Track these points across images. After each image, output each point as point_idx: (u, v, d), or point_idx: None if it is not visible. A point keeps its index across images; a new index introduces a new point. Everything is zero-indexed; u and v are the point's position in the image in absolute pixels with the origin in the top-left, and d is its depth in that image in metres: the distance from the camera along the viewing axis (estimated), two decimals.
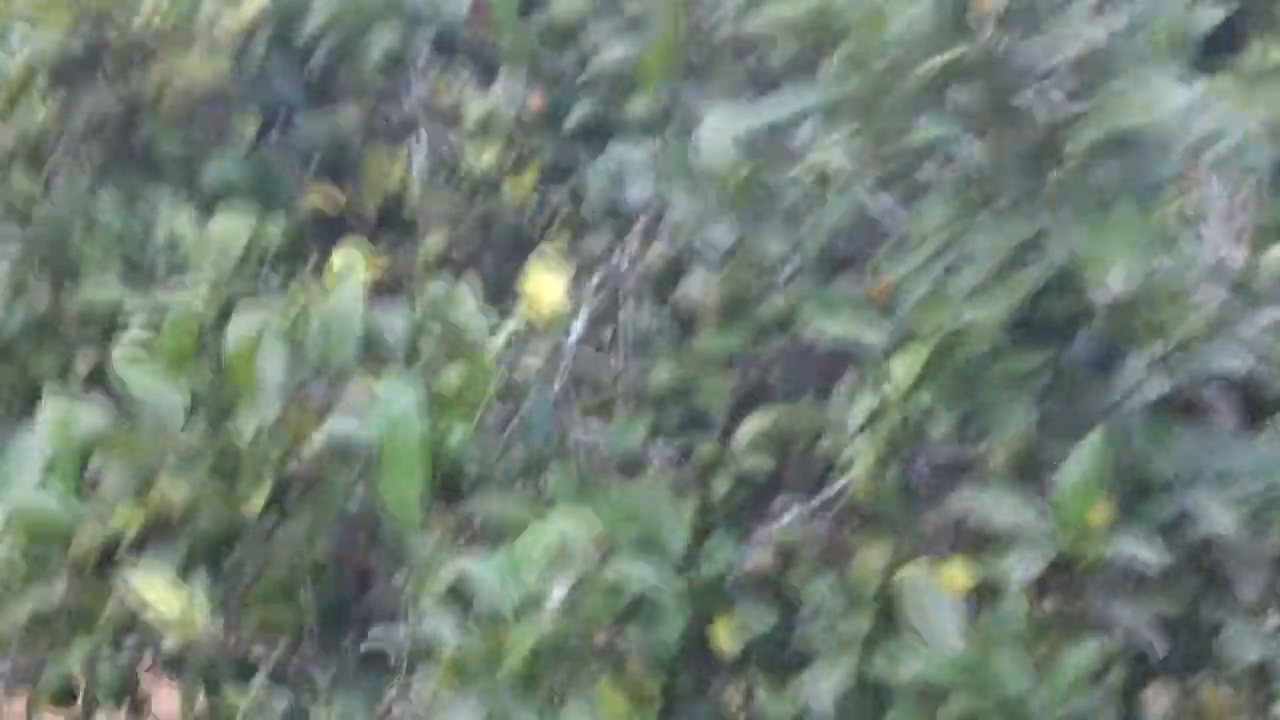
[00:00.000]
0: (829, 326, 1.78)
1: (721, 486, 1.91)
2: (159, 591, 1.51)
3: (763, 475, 1.93)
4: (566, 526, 1.41)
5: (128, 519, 1.78)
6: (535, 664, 1.31)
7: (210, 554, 1.78)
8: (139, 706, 1.91)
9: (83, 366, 2.12)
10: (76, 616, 1.63)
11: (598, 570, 1.44)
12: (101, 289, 2.14)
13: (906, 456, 1.74)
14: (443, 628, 1.37)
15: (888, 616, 1.72)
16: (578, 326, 1.79)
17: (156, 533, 1.86)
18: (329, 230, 2.49)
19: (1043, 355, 1.60)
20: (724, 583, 1.78)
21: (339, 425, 1.58)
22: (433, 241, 2.32)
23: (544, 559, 1.37)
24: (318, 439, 1.65)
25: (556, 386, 1.79)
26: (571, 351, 1.77)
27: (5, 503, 1.53)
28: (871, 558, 1.80)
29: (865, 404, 1.77)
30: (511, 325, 1.66)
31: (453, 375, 1.61)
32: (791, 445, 1.94)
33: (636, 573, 1.45)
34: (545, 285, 1.71)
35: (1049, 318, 1.58)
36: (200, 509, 1.81)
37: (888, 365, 1.75)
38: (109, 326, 2.15)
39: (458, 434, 1.54)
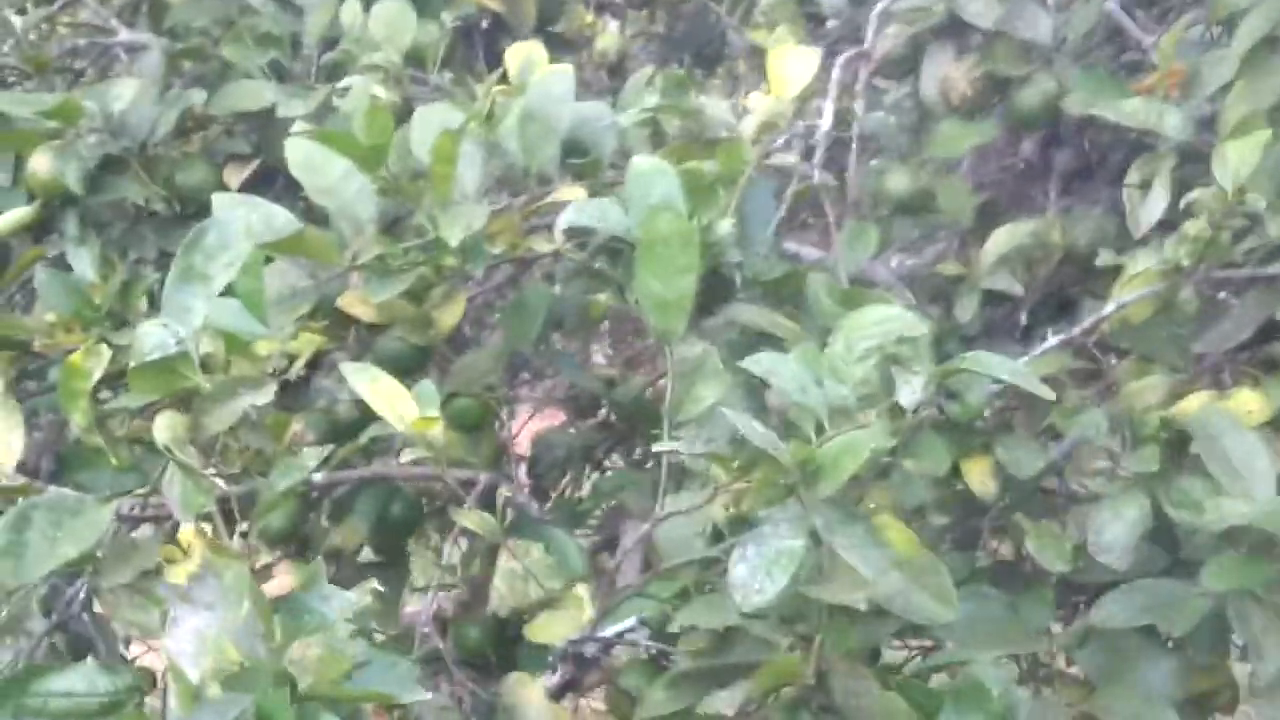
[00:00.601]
0: (1113, 112, 1.55)
1: (964, 310, 1.70)
2: (388, 397, 1.31)
3: (1011, 298, 1.73)
4: (896, 317, 1.19)
5: (310, 335, 1.60)
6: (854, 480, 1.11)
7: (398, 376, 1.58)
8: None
9: (233, 179, 1.91)
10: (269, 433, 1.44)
11: (945, 368, 1.23)
12: (250, 93, 1.92)
13: (1201, 271, 1.51)
14: (718, 442, 1.18)
15: (1172, 455, 1.52)
16: (828, 114, 1.55)
17: (338, 352, 1.69)
18: (483, 40, 2.28)
19: None
20: (975, 420, 1.56)
21: (580, 216, 1.36)
22: (605, 43, 2.09)
23: (874, 356, 1.16)
24: (544, 236, 1.44)
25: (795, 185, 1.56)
26: (825, 143, 1.54)
27: (196, 310, 1.32)
28: (1147, 389, 1.59)
29: (1155, 208, 1.55)
30: (761, 110, 1.43)
31: (704, 164, 1.39)
32: (1044, 262, 1.73)
33: (995, 364, 1.23)
34: (792, 66, 1.47)
35: None
36: (390, 325, 1.63)
37: (1176, 160, 1.54)
38: (261, 136, 1.96)
39: (723, 228, 1.32)
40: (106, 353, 1.27)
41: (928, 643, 1.71)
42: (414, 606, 2.06)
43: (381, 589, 1.87)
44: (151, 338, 1.22)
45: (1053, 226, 1.74)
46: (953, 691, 1.13)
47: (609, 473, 2.19)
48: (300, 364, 1.62)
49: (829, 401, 1.16)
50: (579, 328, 1.80)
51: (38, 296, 1.70)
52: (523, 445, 2.22)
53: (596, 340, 2.51)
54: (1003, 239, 1.69)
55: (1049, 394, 1.25)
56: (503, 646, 1.82)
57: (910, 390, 1.19)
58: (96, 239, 1.79)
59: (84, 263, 1.74)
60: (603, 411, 2.24)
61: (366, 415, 1.50)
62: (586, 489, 2.19)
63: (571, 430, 2.25)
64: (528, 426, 2.42)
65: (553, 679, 1.45)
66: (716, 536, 1.29)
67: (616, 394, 2.03)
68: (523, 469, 2.08)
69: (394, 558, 1.88)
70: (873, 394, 1.18)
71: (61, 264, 1.79)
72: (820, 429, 1.15)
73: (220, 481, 1.26)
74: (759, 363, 1.18)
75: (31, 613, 1.43)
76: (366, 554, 1.92)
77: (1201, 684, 1.60)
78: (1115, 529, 1.44)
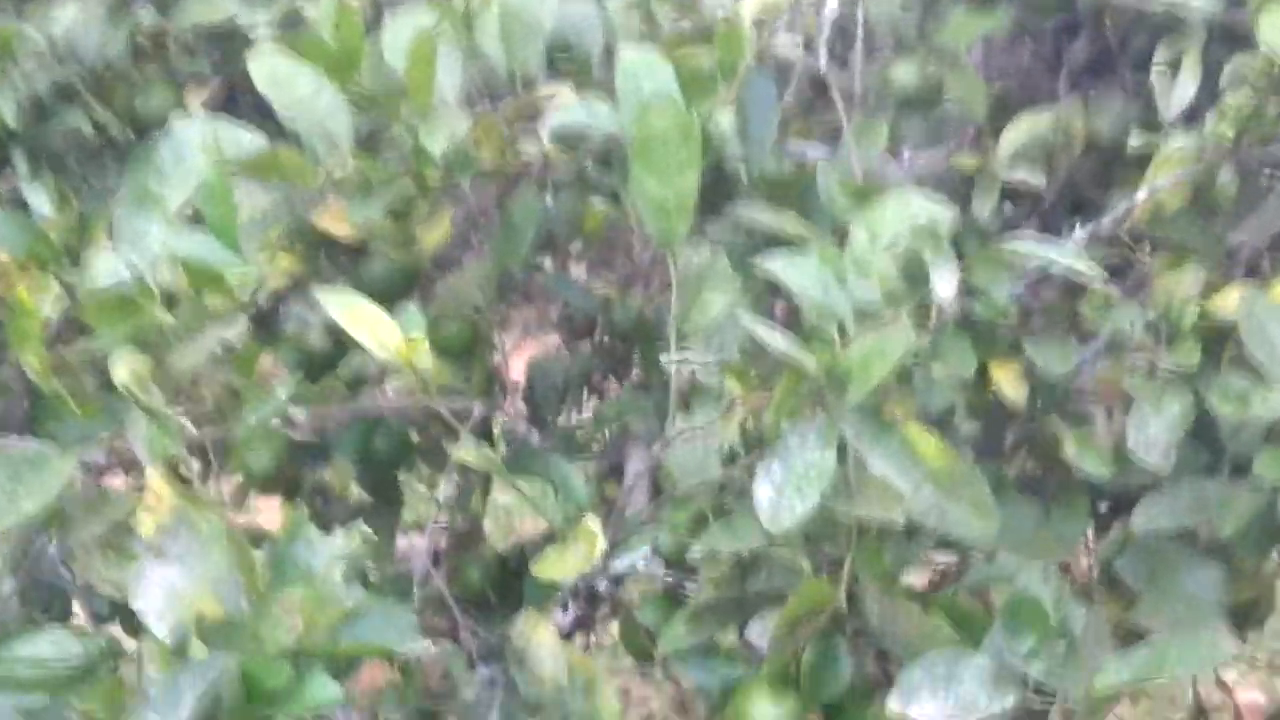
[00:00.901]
0: None
1: (983, 205, 1.59)
2: (367, 323, 1.20)
3: (1030, 194, 1.62)
4: (920, 207, 1.08)
5: (283, 260, 1.49)
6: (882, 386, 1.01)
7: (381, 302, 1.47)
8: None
9: (195, 101, 1.79)
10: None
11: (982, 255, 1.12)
12: (209, 5, 1.79)
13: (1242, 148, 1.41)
14: (731, 351, 1.07)
15: (1211, 350, 1.43)
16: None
17: (315, 278, 1.58)
18: None
19: None
20: (1000, 322, 1.46)
21: (568, 117, 1.25)
22: None
23: (899, 248, 1.06)
24: (531, 140, 1.33)
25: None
26: (828, 31, 1.42)
27: (153, 236, 1.21)
28: (1182, 281, 1.49)
29: (1186, 89, 1.44)
30: None
31: (699, 55, 1.27)
32: (1066, 153, 1.62)
33: (1037, 247, 1.13)
34: None
35: None
36: (371, 247, 1.52)
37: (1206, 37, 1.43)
38: (224, 54, 1.83)
39: (723, 121, 1.21)
40: (56, 287, 1.17)
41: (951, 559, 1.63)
42: (405, 542, 1.97)
43: (372, 531, 1.76)
44: (103, 267, 1.11)
45: (1074, 114, 1.63)
46: (1004, 608, 1.04)
47: (609, 397, 2.08)
48: (270, 291, 1.52)
49: (854, 301, 1.05)
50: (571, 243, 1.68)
51: None
52: (515, 371, 2.12)
53: (578, 259, 2.39)
54: (1021, 128, 1.58)
55: (1099, 275, 1.15)
56: (505, 583, 1.73)
57: (945, 281, 1.09)
58: (52, 173, 1.68)
59: (39, 198, 1.62)
60: (598, 334, 2.14)
61: (341, 343, 1.40)
62: (586, 415, 2.09)
63: (566, 353, 2.15)
64: (520, 352, 2.32)
65: (564, 617, 1.36)
66: (732, 457, 1.20)
67: (614, 313, 1.92)
68: (518, 397, 1.98)
69: (385, 496, 1.78)
70: (896, 293, 1.07)
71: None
72: (844, 332, 1.05)
73: (188, 423, 1.16)
74: (774, 261, 1.07)
75: None
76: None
77: (1245, 592, 1.52)
78: (1156, 426, 1.35)
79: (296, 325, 1.63)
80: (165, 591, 0.98)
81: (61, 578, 1.54)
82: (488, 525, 2.05)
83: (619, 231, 2.02)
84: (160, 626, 0.96)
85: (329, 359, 1.56)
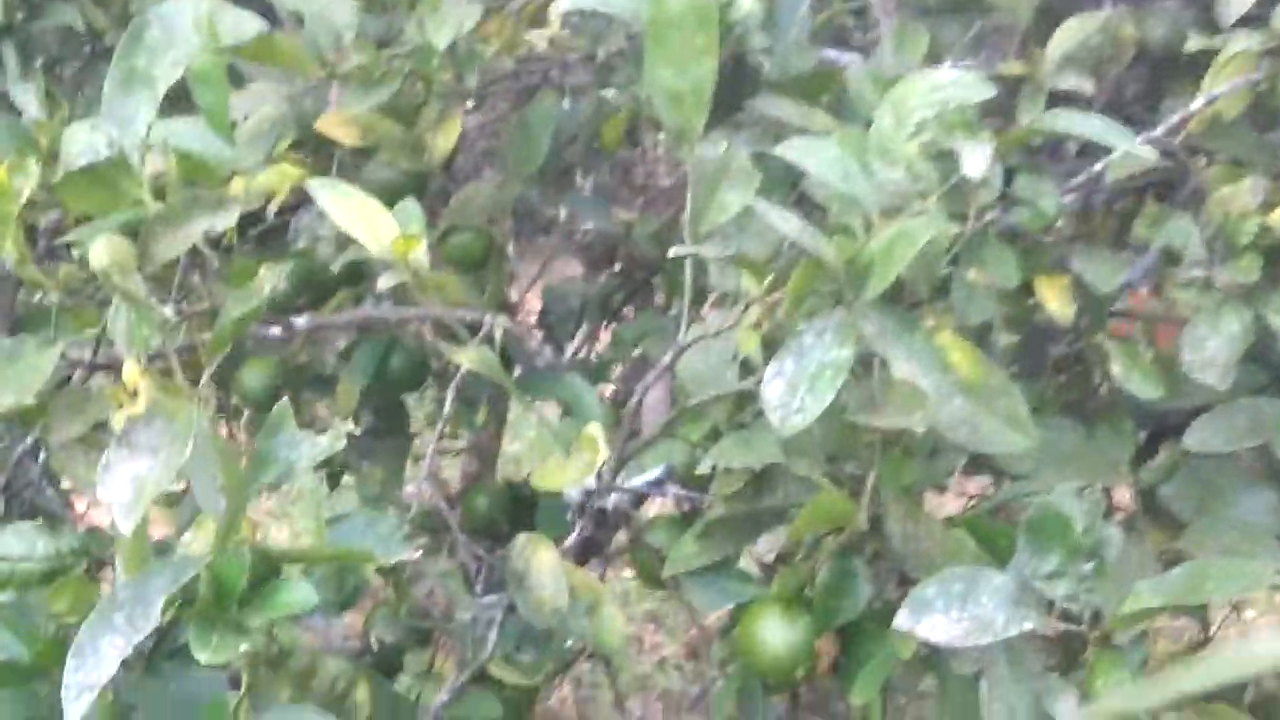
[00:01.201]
0: None
1: (1029, 114, 1.49)
2: (362, 216, 1.12)
3: (1079, 101, 1.53)
4: (952, 82, 1.00)
5: (287, 168, 1.42)
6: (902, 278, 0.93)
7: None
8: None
9: None
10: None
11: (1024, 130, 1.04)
12: None
13: None
14: (747, 244, 0.99)
15: (1270, 266, 1.33)
16: None
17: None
18: None
19: None
20: (1044, 235, 1.37)
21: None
22: None
23: (928, 130, 0.97)
24: (543, 30, 1.25)
25: None
26: None
27: (141, 118, 1.13)
28: (1240, 194, 1.39)
29: None
30: None
31: None
32: (1116, 61, 1.53)
33: (1081, 122, 1.04)
34: None
35: None
36: (377, 151, 1.44)
37: None
38: None
39: (745, 4, 1.13)
40: (35, 168, 1.10)
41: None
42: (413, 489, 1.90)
43: (380, 465, 1.69)
44: (79, 141, 1.04)
45: (1125, 19, 1.53)
46: (1026, 524, 0.95)
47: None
48: (278, 202, 1.45)
49: (879, 191, 0.97)
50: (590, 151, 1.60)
51: None
52: (533, 304, 2.05)
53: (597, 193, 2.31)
54: (1070, 33, 1.48)
55: (1149, 155, 1.06)
56: (516, 513, 1.66)
57: (974, 160, 1.00)
58: (44, 75, 1.62)
59: (28, 99, 1.56)
60: (618, 261, 2.07)
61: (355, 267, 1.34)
62: (604, 343, 2.02)
63: (585, 282, 2.07)
64: (539, 285, 2.24)
65: (570, 538, 1.29)
66: (748, 368, 1.12)
67: (634, 233, 1.84)
68: (535, 324, 1.91)
69: (393, 424, 1.71)
70: (927, 186, 0.99)
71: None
72: (868, 226, 0.97)
73: (170, 311, 1.08)
74: (793, 148, 0.99)
75: None
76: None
77: None
78: (1214, 344, 1.26)
79: (306, 234, 1.56)
80: (134, 484, 0.91)
81: (43, 494, 1.48)
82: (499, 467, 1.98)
83: (632, 168, 1.95)
84: (127, 521, 0.89)
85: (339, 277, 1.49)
